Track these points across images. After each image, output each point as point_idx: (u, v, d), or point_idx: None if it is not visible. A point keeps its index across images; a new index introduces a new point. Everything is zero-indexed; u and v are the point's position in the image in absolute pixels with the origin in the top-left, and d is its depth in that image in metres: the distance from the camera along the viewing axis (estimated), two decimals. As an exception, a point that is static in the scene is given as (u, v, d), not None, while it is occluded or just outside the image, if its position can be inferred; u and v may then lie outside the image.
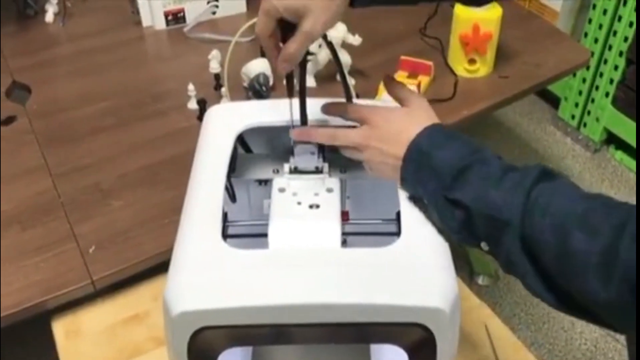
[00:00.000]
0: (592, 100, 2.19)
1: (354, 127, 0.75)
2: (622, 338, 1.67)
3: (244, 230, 0.75)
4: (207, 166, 0.78)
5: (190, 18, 1.50)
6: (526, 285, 0.63)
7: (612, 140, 2.25)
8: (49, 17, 1.53)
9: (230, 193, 0.81)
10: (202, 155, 0.80)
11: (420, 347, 0.64)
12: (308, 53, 0.72)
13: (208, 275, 0.65)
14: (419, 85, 1.26)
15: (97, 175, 1.11)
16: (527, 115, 2.42)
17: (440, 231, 0.69)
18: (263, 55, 1.24)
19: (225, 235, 0.71)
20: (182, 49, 1.46)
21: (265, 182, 0.82)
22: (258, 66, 1.24)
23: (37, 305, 0.92)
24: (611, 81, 2.09)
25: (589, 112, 2.23)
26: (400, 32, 1.48)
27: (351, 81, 1.28)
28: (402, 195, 0.73)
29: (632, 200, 1.89)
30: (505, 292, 1.83)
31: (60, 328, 0.95)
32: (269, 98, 1.22)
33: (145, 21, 1.51)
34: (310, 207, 0.74)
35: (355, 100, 0.85)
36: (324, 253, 0.68)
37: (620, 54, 2.03)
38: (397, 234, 0.70)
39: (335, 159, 0.79)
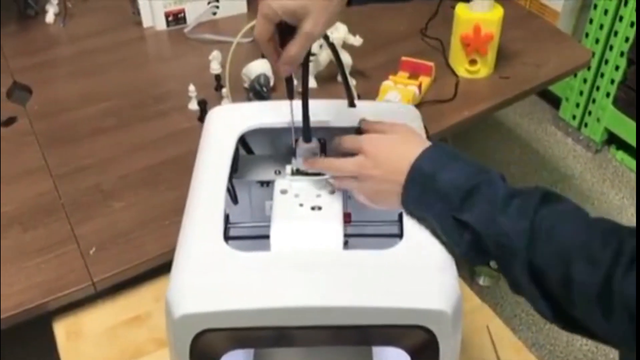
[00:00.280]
0: (593, 101, 2.19)
1: (351, 155, 0.74)
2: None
3: (246, 232, 0.75)
4: (209, 167, 0.78)
5: (191, 19, 1.50)
6: (536, 310, 0.63)
7: (613, 140, 2.25)
8: (50, 17, 1.53)
9: (232, 194, 0.80)
10: (204, 157, 0.80)
11: (423, 349, 0.63)
12: (310, 54, 0.72)
13: (210, 278, 0.65)
14: (420, 86, 1.25)
15: (98, 176, 1.11)
16: (527, 115, 2.42)
17: (445, 244, 0.69)
18: (264, 56, 1.24)
19: (227, 237, 0.70)
20: (182, 50, 1.46)
21: (267, 184, 0.82)
22: (259, 67, 1.24)
23: (38, 307, 0.92)
24: (612, 81, 2.09)
25: (589, 113, 2.23)
26: (401, 33, 1.48)
27: (352, 82, 1.28)
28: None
29: (633, 201, 1.88)
30: (506, 292, 1.83)
31: (61, 329, 0.95)
32: (270, 99, 1.22)
33: (146, 22, 1.51)
34: (312, 208, 0.74)
35: (356, 101, 0.85)
36: (326, 255, 0.68)
37: (621, 54, 2.03)
38: (400, 235, 0.70)
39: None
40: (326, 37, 0.76)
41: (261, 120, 0.83)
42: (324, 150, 0.79)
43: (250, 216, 0.88)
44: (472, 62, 1.33)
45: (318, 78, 1.30)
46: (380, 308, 0.63)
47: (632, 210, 2.04)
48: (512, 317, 1.76)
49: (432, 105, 1.27)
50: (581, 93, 2.22)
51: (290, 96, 0.75)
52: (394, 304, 0.63)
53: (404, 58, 1.32)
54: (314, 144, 0.78)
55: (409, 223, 0.70)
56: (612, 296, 0.54)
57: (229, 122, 0.84)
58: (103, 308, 0.97)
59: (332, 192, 0.76)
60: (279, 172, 0.80)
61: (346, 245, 0.72)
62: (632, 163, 2.20)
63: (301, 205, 0.75)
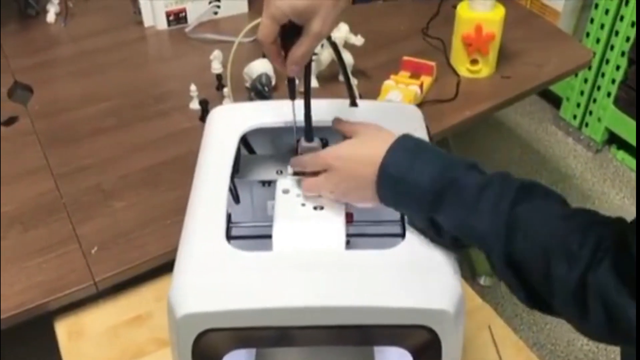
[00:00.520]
0: (594, 100, 2.19)
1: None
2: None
3: (248, 232, 0.75)
4: (211, 167, 0.78)
5: (192, 18, 1.50)
6: (516, 297, 0.63)
7: (613, 140, 2.25)
8: (51, 17, 1.53)
9: (234, 194, 0.80)
10: (205, 157, 0.80)
11: (426, 349, 0.64)
12: (313, 54, 0.72)
13: (212, 277, 0.65)
14: (421, 86, 1.25)
15: (99, 176, 1.11)
16: (528, 115, 2.42)
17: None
18: (265, 55, 1.24)
19: (229, 237, 0.70)
20: (183, 49, 1.46)
21: (269, 183, 0.82)
22: (260, 66, 1.24)
23: (39, 307, 0.92)
24: (613, 81, 2.09)
25: (590, 112, 2.23)
26: (402, 33, 1.48)
27: (354, 81, 1.28)
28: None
29: (633, 200, 1.87)
30: (507, 292, 1.82)
31: (62, 329, 0.95)
32: (272, 98, 1.22)
33: (147, 21, 1.51)
34: (315, 208, 0.74)
35: (358, 100, 0.85)
36: (328, 255, 0.68)
37: (622, 53, 2.03)
38: (402, 235, 0.70)
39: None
40: (328, 37, 0.76)
41: (263, 119, 0.83)
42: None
43: (252, 216, 0.88)
44: (474, 61, 1.33)
45: (320, 77, 1.30)
46: (383, 308, 0.63)
47: (633, 210, 2.04)
48: (514, 316, 1.76)
49: (433, 104, 1.27)
50: (582, 93, 2.22)
51: (292, 96, 0.75)
52: (396, 304, 0.63)
53: (405, 58, 1.32)
54: (316, 143, 0.78)
55: (411, 223, 0.70)
56: (588, 291, 0.54)
57: (230, 121, 0.84)
58: (104, 308, 0.97)
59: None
60: (281, 172, 0.80)
61: (348, 245, 0.72)
62: (633, 163, 2.20)
63: (303, 205, 0.75)
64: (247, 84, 1.27)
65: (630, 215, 0.57)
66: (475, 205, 0.62)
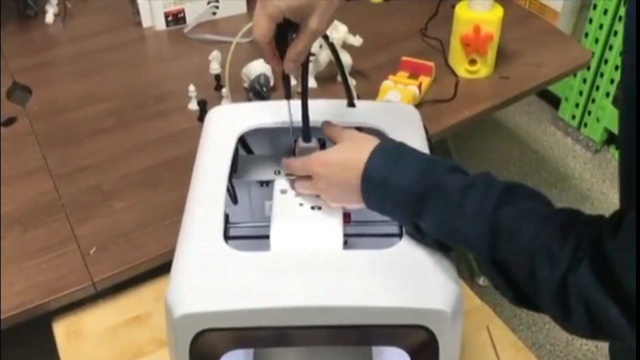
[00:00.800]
0: (593, 101, 2.19)
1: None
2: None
3: (246, 232, 0.75)
4: (209, 168, 0.78)
5: (191, 19, 1.50)
6: (503, 295, 0.63)
7: (612, 140, 2.25)
8: (49, 17, 1.53)
9: (232, 194, 0.80)
10: (203, 157, 0.80)
11: (423, 349, 0.64)
12: (309, 54, 0.72)
13: (210, 278, 0.65)
14: (419, 86, 1.26)
15: (98, 177, 1.11)
16: (527, 115, 2.42)
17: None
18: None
19: (227, 237, 0.71)
20: (182, 50, 1.46)
21: (267, 184, 0.82)
22: (259, 67, 1.24)
23: (39, 307, 0.92)
24: (612, 81, 2.09)
25: (589, 112, 2.23)
26: (401, 33, 1.48)
27: (352, 82, 1.28)
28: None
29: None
30: (506, 292, 1.82)
31: (61, 329, 0.95)
32: (270, 99, 1.22)
33: (146, 22, 1.51)
34: (312, 208, 0.74)
35: (356, 101, 0.85)
36: (326, 255, 0.68)
37: (621, 54, 2.02)
38: (399, 235, 0.70)
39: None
40: (326, 37, 0.76)
41: (261, 120, 0.83)
42: (322, 150, 0.79)
43: (250, 216, 0.88)
44: (472, 62, 1.33)
45: (318, 78, 1.30)
46: (380, 308, 0.63)
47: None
48: (512, 317, 1.77)
49: (432, 105, 1.27)
50: (581, 93, 2.22)
51: (288, 95, 0.75)
52: (394, 304, 0.63)
53: (403, 58, 1.32)
54: (314, 143, 0.78)
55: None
56: (569, 292, 0.54)
57: (228, 122, 0.84)
58: (103, 308, 0.97)
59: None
60: (279, 172, 0.80)
61: (346, 245, 0.72)
62: (632, 163, 2.20)
63: (301, 205, 0.75)
64: (246, 85, 1.27)
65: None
66: (458, 208, 0.62)
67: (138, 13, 1.50)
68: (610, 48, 2.06)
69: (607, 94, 2.12)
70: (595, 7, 2.06)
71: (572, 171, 2.23)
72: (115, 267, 0.96)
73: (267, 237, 0.71)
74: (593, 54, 2.01)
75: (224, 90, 1.24)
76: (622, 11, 1.99)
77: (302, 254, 0.68)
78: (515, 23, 1.45)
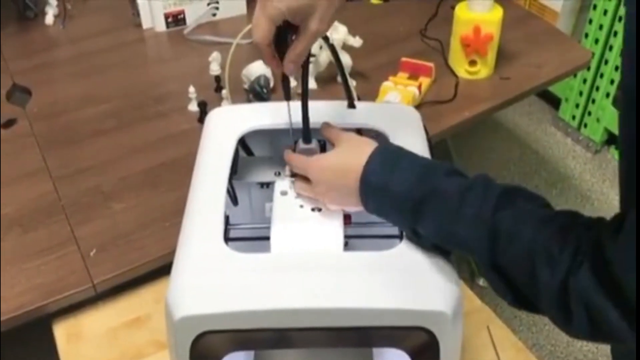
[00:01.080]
0: (593, 101, 2.19)
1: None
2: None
3: (246, 234, 0.75)
4: (209, 169, 0.78)
5: (191, 20, 1.50)
6: (502, 298, 0.63)
7: (612, 140, 2.25)
8: (49, 19, 1.53)
9: (232, 196, 0.80)
10: (203, 158, 0.80)
11: (424, 350, 0.64)
12: (309, 55, 0.72)
13: (210, 279, 0.65)
14: (419, 87, 1.25)
15: (98, 178, 1.11)
16: (527, 116, 2.42)
17: None
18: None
19: (227, 239, 0.70)
20: (182, 51, 1.46)
21: (267, 185, 0.82)
22: (259, 68, 1.24)
23: (39, 309, 0.92)
24: (612, 82, 2.09)
25: (589, 113, 2.23)
26: (401, 34, 1.48)
27: (352, 83, 1.28)
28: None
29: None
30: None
31: (61, 331, 0.95)
32: (270, 100, 1.22)
33: (146, 23, 1.51)
34: (313, 210, 0.74)
35: (356, 102, 0.85)
36: (326, 257, 0.68)
37: (621, 54, 2.03)
38: (400, 237, 0.70)
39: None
40: (326, 39, 0.76)
41: (261, 121, 0.83)
42: (323, 151, 0.79)
43: (250, 218, 0.88)
44: (472, 62, 1.33)
45: (318, 79, 1.30)
46: (381, 309, 0.63)
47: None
48: (513, 318, 1.76)
49: (432, 106, 1.27)
50: (581, 93, 2.22)
51: (287, 96, 0.75)
52: (394, 305, 0.63)
53: (403, 59, 1.32)
54: (314, 145, 0.78)
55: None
56: (570, 295, 0.54)
57: (228, 123, 0.84)
58: (103, 310, 0.97)
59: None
60: (279, 174, 0.80)
61: (346, 246, 0.72)
62: (632, 163, 2.20)
63: (301, 206, 0.75)
64: (246, 86, 1.27)
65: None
66: (457, 212, 0.62)
67: (138, 14, 1.50)
68: (610, 48, 2.06)
69: (607, 95, 2.12)
70: (595, 7, 2.06)
71: (572, 171, 2.23)
72: (115, 268, 0.96)
73: (267, 238, 0.71)
74: (593, 54, 2.01)
75: (224, 92, 1.24)
76: (622, 11, 1.99)
77: (302, 256, 0.68)
78: (515, 24, 1.45)
